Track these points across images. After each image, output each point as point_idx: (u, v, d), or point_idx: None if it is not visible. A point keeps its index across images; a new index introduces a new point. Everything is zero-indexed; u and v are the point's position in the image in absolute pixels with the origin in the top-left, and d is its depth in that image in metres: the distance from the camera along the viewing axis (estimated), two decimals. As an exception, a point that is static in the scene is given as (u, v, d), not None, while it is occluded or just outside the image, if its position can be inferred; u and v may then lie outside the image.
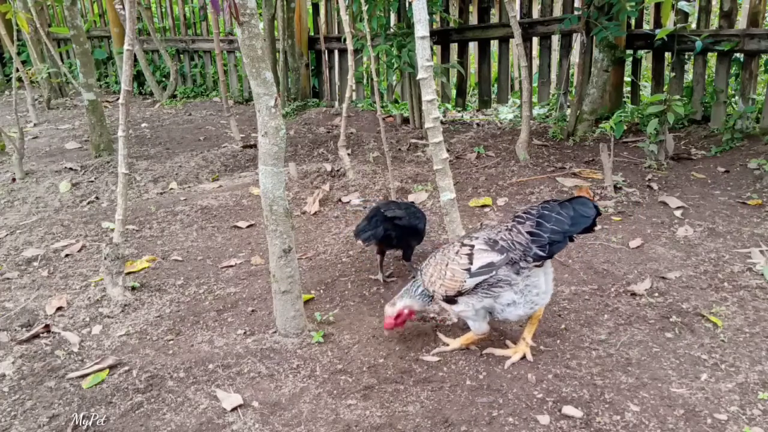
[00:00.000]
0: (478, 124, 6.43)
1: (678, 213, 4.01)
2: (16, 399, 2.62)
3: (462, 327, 2.91)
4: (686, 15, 5.42)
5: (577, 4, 5.96)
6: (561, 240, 2.42)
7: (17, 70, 6.20)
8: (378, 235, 3.18)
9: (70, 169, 5.82)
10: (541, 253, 2.42)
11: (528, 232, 2.44)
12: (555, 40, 6.41)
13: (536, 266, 2.47)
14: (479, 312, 2.57)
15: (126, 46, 3.24)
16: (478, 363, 2.65)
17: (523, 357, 2.63)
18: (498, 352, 2.69)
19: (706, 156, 4.95)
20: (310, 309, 3.18)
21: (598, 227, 3.87)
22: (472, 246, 2.53)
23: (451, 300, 2.59)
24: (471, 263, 2.49)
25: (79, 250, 4.13)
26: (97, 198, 5.19)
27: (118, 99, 3.52)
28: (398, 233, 3.24)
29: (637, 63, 5.94)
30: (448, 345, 2.76)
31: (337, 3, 7.09)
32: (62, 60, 9.07)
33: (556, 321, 2.93)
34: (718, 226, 3.78)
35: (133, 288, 3.51)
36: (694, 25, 5.65)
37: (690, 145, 5.21)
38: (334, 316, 3.11)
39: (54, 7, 10.25)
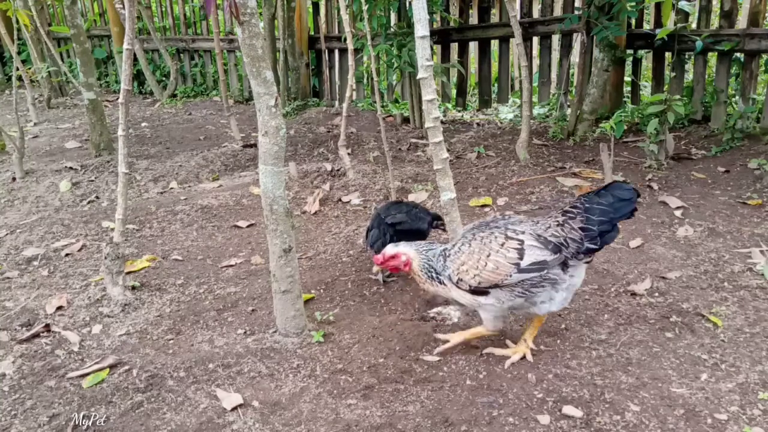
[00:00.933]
0: (478, 124, 6.43)
1: (678, 213, 4.01)
2: (17, 398, 2.62)
3: (462, 327, 2.91)
4: (686, 15, 5.42)
5: (577, 3, 5.95)
6: (611, 229, 2.40)
7: (17, 69, 6.20)
8: (386, 243, 3.19)
9: (71, 168, 5.81)
10: (594, 246, 2.40)
11: (580, 228, 2.40)
12: (555, 39, 6.40)
13: (586, 262, 2.46)
14: (504, 309, 2.52)
15: (125, 45, 3.24)
16: (478, 363, 2.65)
17: (523, 357, 2.63)
18: (498, 351, 2.69)
19: (706, 156, 4.95)
20: (310, 309, 3.18)
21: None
22: (522, 241, 2.44)
23: (481, 291, 2.50)
24: (521, 258, 2.40)
25: (80, 250, 4.13)
26: (97, 197, 5.19)
27: (118, 98, 3.52)
28: (401, 238, 3.23)
29: (637, 63, 5.93)
30: (448, 341, 2.71)
31: (338, 2, 7.08)
32: (62, 59, 9.06)
33: (556, 321, 2.93)
34: (718, 226, 3.78)
35: (134, 287, 3.51)
36: (694, 25, 5.65)
37: (690, 145, 5.21)
38: (334, 316, 3.11)
39: (54, 6, 10.25)
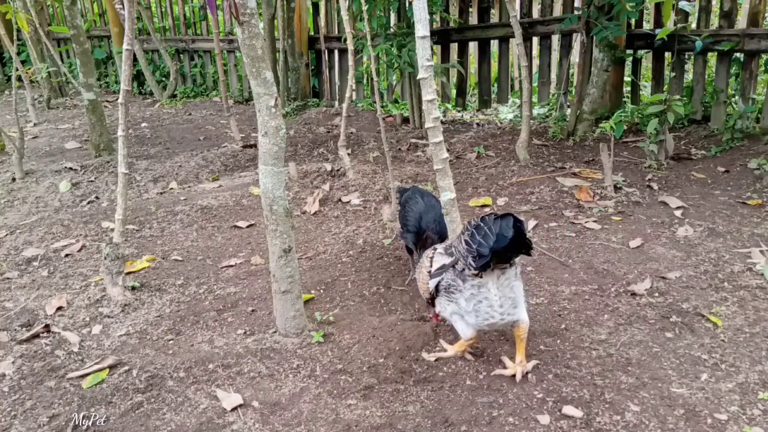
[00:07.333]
0: (478, 124, 6.43)
1: (678, 213, 4.01)
2: (16, 399, 2.62)
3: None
4: (686, 15, 5.42)
5: (577, 3, 5.96)
6: (486, 254, 2.22)
7: (17, 70, 6.20)
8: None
9: (70, 168, 5.81)
10: (473, 264, 2.28)
11: (465, 241, 2.33)
12: (555, 39, 6.41)
13: (473, 275, 2.35)
14: (453, 316, 2.56)
15: (125, 46, 3.24)
16: (478, 363, 2.65)
17: (513, 376, 2.53)
18: (498, 372, 2.62)
19: (706, 156, 4.95)
20: (310, 309, 3.18)
21: (597, 227, 3.87)
22: (435, 249, 2.65)
23: (429, 301, 2.70)
24: (431, 266, 2.60)
25: (79, 250, 4.13)
26: (97, 198, 5.18)
27: (117, 99, 3.52)
28: None
29: (637, 63, 5.93)
30: (446, 351, 2.74)
31: (337, 3, 7.09)
32: (62, 59, 9.07)
33: (556, 321, 2.93)
34: (718, 226, 3.78)
35: (133, 288, 3.51)
36: (694, 25, 5.65)
37: (690, 145, 5.21)
38: (334, 316, 3.11)
39: (54, 7, 10.25)
